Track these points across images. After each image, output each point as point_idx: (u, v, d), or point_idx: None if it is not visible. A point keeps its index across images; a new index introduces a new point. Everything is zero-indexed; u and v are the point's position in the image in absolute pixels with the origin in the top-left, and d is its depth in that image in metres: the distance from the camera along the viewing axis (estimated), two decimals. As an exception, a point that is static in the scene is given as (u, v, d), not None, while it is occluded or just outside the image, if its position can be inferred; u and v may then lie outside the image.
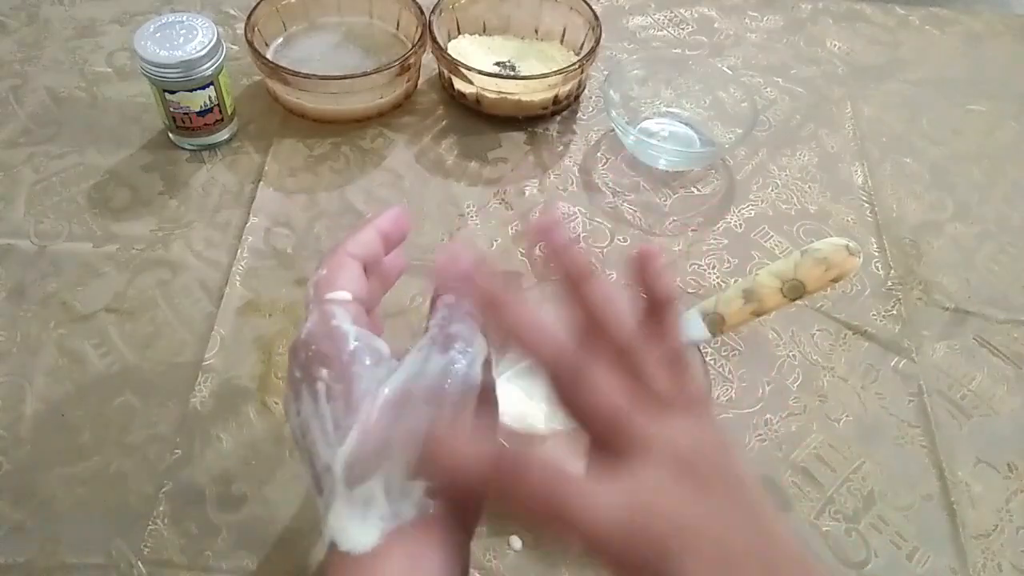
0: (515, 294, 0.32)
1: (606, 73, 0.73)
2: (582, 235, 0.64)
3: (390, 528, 0.30)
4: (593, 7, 0.73)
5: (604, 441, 0.30)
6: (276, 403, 0.54)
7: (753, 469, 0.32)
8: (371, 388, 0.32)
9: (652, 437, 0.30)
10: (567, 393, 0.31)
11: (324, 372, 0.32)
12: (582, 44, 0.73)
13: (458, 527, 0.31)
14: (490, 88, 0.69)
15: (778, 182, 0.69)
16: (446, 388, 0.32)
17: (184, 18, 0.63)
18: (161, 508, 0.49)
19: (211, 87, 0.63)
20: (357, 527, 0.30)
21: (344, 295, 0.35)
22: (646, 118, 0.73)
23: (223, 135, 0.68)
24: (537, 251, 0.33)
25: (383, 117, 0.72)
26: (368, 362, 0.32)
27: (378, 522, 0.30)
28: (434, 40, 0.70)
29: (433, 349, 0.33)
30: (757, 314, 0.48)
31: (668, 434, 0.30)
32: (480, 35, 0.76)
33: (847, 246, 0.47)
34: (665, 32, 0.82)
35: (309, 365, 0.33)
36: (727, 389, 0.56)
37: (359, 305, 0.35)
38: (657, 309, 0.33)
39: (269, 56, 0.70)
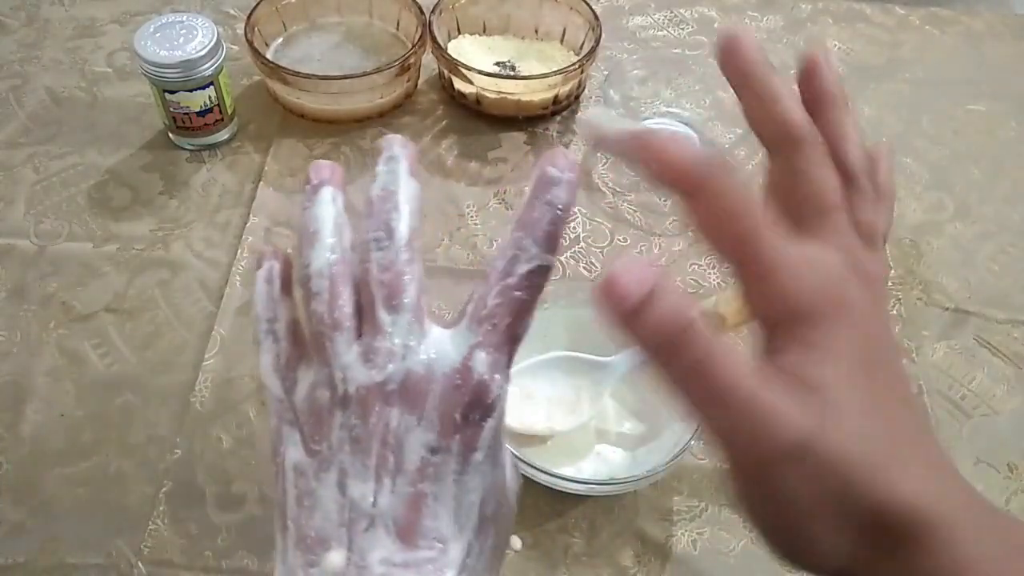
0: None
1: (606, 73, 0.73)
2: (582, 235, 0.64)
3: None
4: (593, 7, 0.73)
5: (788, 213, 0.27)
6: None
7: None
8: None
9: (835, 222, 0.27)
10: (793, 159, 0.28)
11: None
12: (582, 44, 0.73)
13: None
14: (490, 88, 0.69)
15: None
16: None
17: (184, 18, 0.63)
18: (161, 508, 0.49)
19: (211, 87, 0.63)
20: None
21: None
22: (646, 118, 0.73)
23: (223, 135, 0.68)
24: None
25: (383, 117, 0.72)
26: None
27: None
28: (434, 40, 0.70)
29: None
30: (757, 314, 0.48)
31: (849, 232, 0.27)
32: (480, 35, 0.76)
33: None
34: (665, 32, 0.82)
35: None
36: (727, 389, 0.56)
37: None
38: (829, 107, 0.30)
39: (269, 56, 0.70)
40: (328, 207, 0.30)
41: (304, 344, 0.31)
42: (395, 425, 0.27)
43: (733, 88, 0.29)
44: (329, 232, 0.30)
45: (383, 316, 0.28)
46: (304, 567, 0.27)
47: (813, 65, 0.30)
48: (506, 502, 0.30)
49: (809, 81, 0.30)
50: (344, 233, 0.30)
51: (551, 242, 0.28)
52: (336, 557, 0.27)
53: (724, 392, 0.22)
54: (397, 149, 0.31)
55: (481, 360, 0.27)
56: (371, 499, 0.27)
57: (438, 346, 0.28)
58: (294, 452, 0.29)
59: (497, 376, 0.27)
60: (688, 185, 0.24)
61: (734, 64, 0.28)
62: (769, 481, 0.23)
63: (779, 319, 0.25)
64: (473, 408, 0.27)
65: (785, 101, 0.29)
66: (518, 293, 0.28)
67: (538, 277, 0.28)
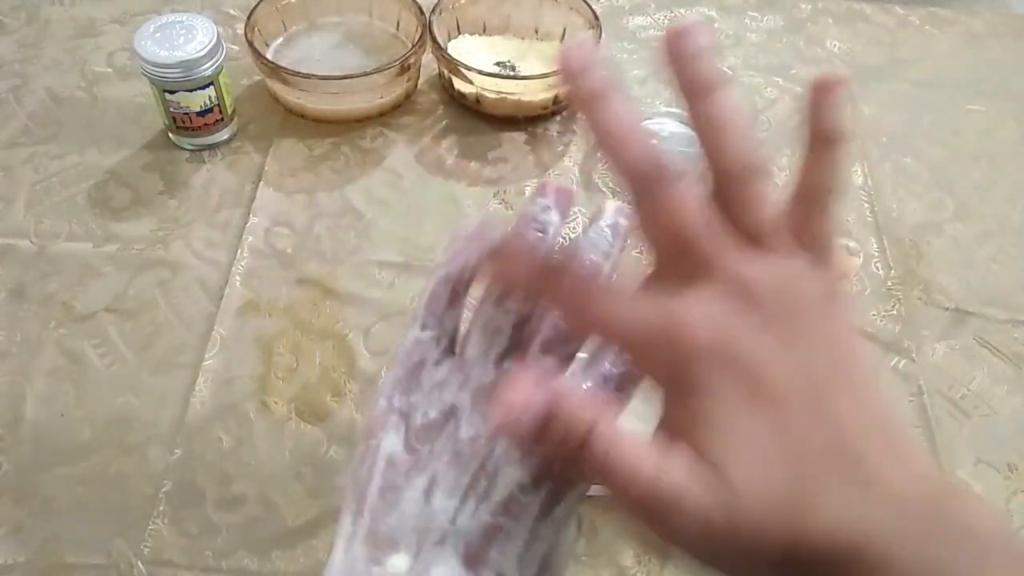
0: (619, 94, 0.26)
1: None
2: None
3: None
4: (593, 7, 0.73)
5: (666, 266, 0.27)
6: (276, 403, 0.54)
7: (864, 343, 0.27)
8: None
9: (721, 268, 0.25)
10: (646, 206, 0.26)
11: None
12: (582, 44, 0.73)
13: None
14: (490, 88, 0.69)
15: (778, 182, 0.69)
16: None
17: (184, 18, 0.63)
18: (161, 508, 0.49)
19: (211, 87, 0.63)
20: None
21: None
22: (646, 118, 0.73)
23: (223, 135, 0.68)
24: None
25: (383, 117, 0.72)
26: None
27: None
28: (434, 40, 0.70)
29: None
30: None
31: (744, 270, 0.25)
32: (480, 35, 0.76)
33: (846, 246, 0.47)
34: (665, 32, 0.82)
35: None
36: (727, 389, 0.56)
37: None
38: (822, 147, 0.29)
39: (269, 56, 0.70)
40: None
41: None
42: (498, 453, 0.28)
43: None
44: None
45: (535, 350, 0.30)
46: (368, 563, 0.27)
47: (676, 48, 0.27)
48: (564, 561, 0.30)
49: (682, 67, 0.27)
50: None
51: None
52: (401, 562, 0.27)
53: (628, 483, 0.23)
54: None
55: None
56: (452, 515, 0.27)
57: None
58: (394, 442, 0.29)
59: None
60: (534, 288, 0.27)
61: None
62: (693, 551, 0.24)
63: (663, 389, 0.26)
64: (572, 466, 0.27)
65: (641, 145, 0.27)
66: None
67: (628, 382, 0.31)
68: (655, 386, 0.26)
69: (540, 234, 0.32)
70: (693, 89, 0.27)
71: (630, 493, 0.23)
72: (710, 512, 0.23)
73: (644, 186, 0.26)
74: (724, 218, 0.26)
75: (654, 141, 0.26)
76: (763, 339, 0.25)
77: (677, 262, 0.26)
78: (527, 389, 0.23)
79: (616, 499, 0.24)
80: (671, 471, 0.23)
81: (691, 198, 0.26)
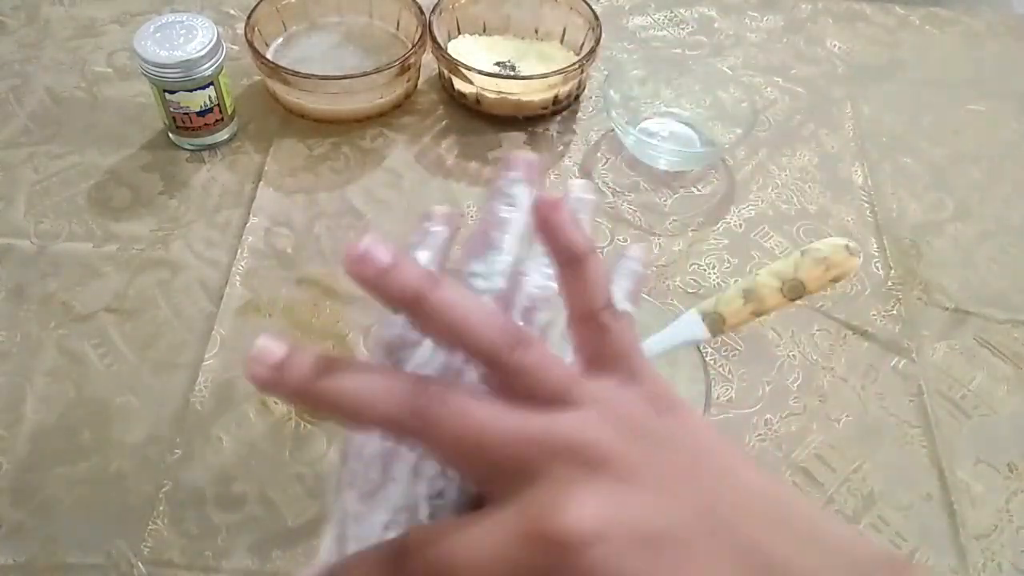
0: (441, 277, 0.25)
1: (606, 73, 0.73)
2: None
3: None
4: (593, 7, 0.73)
5: (494, 479, 0.24)
6: (276, 403, 0.54)
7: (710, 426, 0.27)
8: None
9: (548, 438, 0.23)
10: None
11: None
12: (582, 44, 0.73)
13: None
14: (490, 88, 0.69)
15: (778, 182, 0.69)
16: None
17: (184, 18, 0.63)
18: (161, 508, 0.49)
19: (211, 87, 0.63)
20: None
21: None
22: (646, 118, 0.73)
23: (223, 135, 0.68)
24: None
25: (383, 117, 0.72)
26: None
27: None
28: (434, 40, 0.70)
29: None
30: (757, 314, 0.48)
31: (566, 426, 0.24)
32: (480, 35, 0.76)
33: (847, 246, 0.47)
34: (665, 32, 0.82)
35: None
36: (727, 389, 0.56)
37: None
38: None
39: (269, 56, 0.70)
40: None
41: None
42: None
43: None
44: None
45: None
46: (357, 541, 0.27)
47: (545, 222, 0.27)
48: None
49: (553, 240, 0.27)
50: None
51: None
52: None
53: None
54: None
55: None
56: (439, 491, 0.27)
57: None
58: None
59: None
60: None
61: None
62: None
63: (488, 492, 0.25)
64: None
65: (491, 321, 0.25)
66: None
67: None
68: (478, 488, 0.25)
69: (511, 207, 0.32)
70: (561, 259, 0.27)
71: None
72: None
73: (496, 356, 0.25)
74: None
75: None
76: (632, 448, 0.24)
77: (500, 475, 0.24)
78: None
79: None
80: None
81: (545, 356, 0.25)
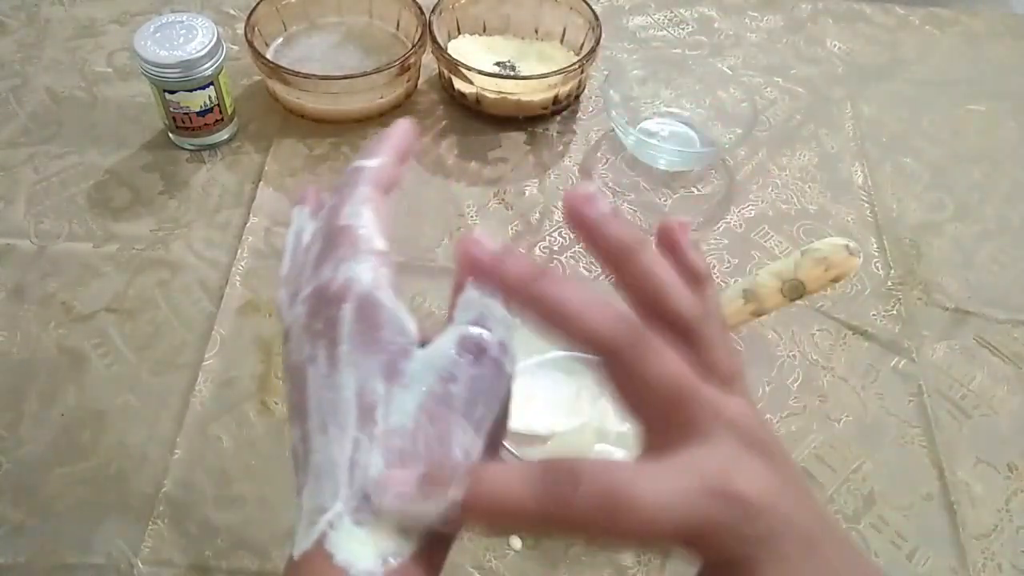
0: (551, 271, 0.26)
1: (606, 73, 0.73)
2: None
3: (394, 564, 0.25)
4: (593, 7, 0.73)
5: (665, 420, 0.26)
6: (276, 403, 0.54)
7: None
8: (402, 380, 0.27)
9: (721, 409, 0.26)
10: (631, 368, 0.25)
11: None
12: (582, 44, 0.73)
13: (432, 566, 0.26)
14: (490, 88, 0.69)
15: (778, 182, 0.69)
16: (479, 402, 0.27)
17: (184, 18, 0.63)
18: (161, 508, 0.49)
19: (211, 87, 0.63)
20: (364, 553, 0.25)
21: (383, 247, 0.30)
22: (646, 118, 0.73)
23: (223, 135, 0.68)
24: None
25: (383, 117, 0.72)
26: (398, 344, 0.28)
27: (381, 554, 0.25)
28: (434, 40, 0.70)
29: (466, 357, 0.27)
30: (757, 314, 0.48)
31: (734, 408, 0.26)
32: (480, 35, 0.76)
33: (847, 246, 0.47)
34: (665, 32, 0.82)
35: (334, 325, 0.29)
36: (727, 389, 0.56)
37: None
38: (695, 286, 0.29)
39: (269, 56, 0.70)
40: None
41: None
42: None
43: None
44: None
45: None
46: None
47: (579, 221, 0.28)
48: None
49: (592, 236, 0.28)
50: None
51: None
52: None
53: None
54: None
55: None
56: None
57: None
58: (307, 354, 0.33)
59: None
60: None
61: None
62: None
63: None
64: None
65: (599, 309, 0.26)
66: None
67: None
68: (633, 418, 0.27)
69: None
70: (610, 257, 0.28)
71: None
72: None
73: (620, 349, 0.26)
74: (692, 360, 0.27)
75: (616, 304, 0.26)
76: (776, 478, 0.26)
77: (675, 416, 0.26)
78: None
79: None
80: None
81: (671, 353, 0.26)
